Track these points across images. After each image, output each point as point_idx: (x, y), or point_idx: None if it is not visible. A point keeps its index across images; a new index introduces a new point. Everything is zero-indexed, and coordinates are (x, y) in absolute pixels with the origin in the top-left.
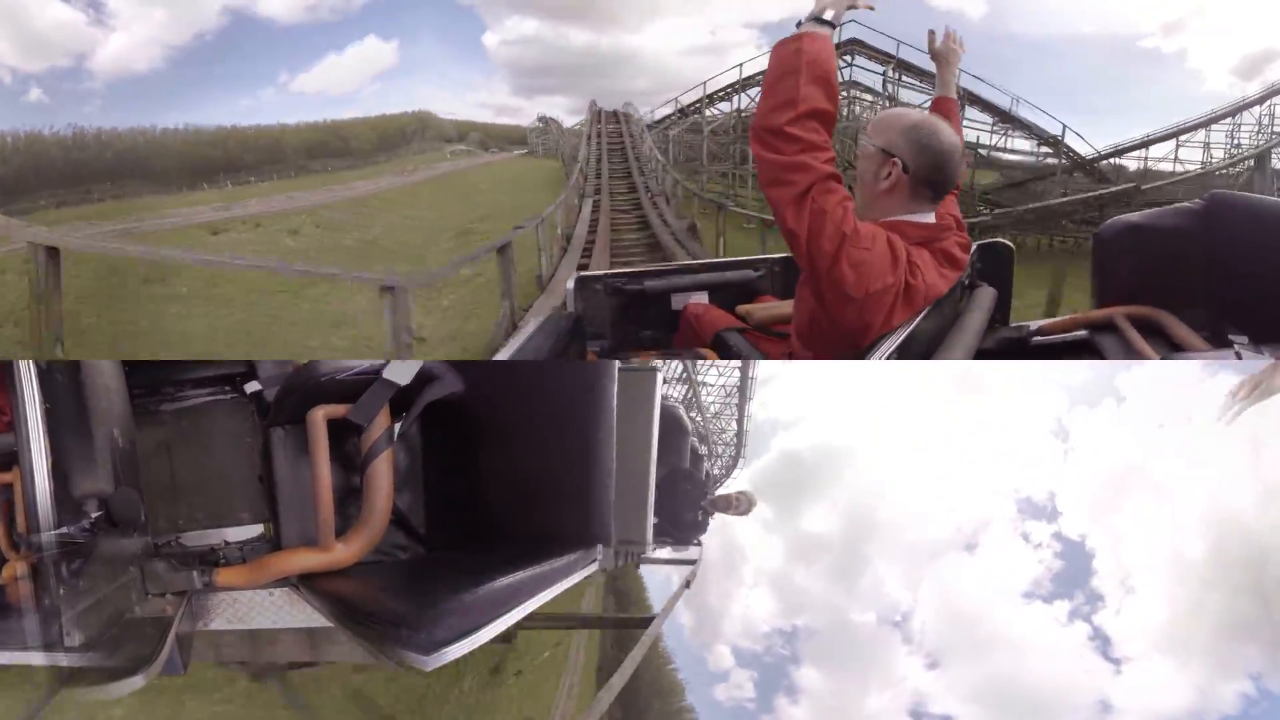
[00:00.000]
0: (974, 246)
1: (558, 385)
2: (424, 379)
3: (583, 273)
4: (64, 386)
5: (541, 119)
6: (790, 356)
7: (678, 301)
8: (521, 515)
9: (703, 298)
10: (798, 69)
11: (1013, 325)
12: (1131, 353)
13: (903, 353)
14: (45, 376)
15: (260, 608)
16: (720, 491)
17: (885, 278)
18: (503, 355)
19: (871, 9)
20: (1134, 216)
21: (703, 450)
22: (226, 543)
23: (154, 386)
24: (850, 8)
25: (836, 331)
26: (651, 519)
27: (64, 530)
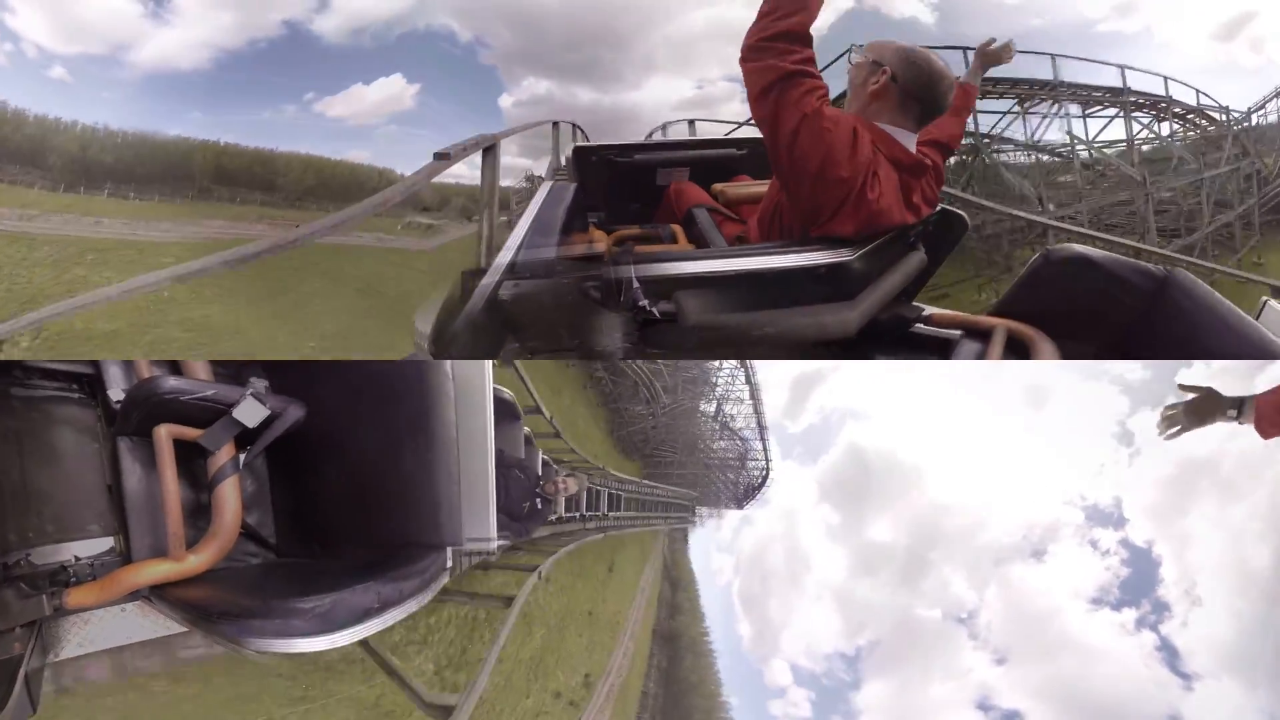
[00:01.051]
0: (939, 209)
1: (396, 387)
2: (269, 419)
3: (580, 144)
4: None
5: (530, 178)
6: (740, 239)
7: (662, 177)
8: (368, 522)
9: (684, 174)
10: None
11: (913, 304)
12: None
13: (833, 275)
14: None
15: (112, 626)
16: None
17: (842, 169)
18: (522, 224)
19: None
20: (1093, 252)
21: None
22: (77, 559)
23: (4, 366)
24: None
25: (792, 213)
26: (495, 514)
27: None
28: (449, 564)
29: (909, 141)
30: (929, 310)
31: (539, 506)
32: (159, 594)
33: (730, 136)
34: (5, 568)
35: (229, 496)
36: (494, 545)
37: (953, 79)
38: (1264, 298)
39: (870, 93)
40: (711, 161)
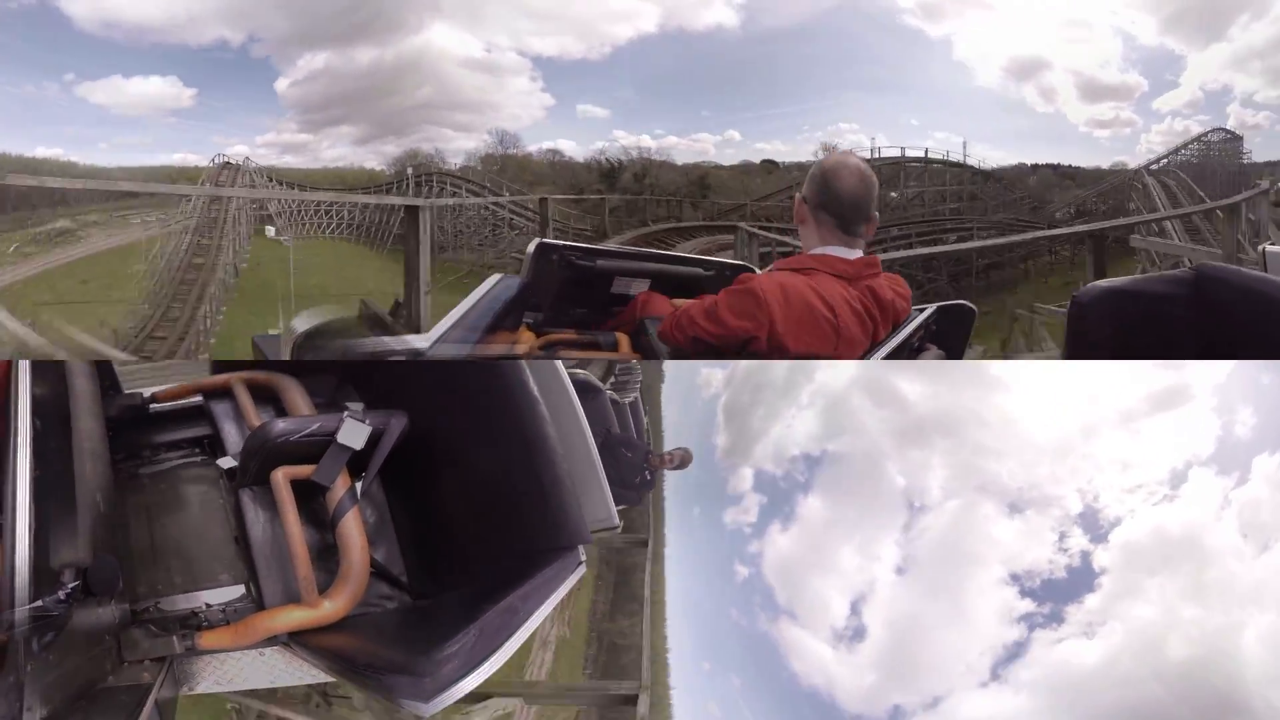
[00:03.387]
0: (934, 307)
1: (478, 398)
2: (374, 438)
3: (545, 239)
4: (55, 451)
5: (225, 163)
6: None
7: (619, 285)
8: (492, 537)
9: (644, 285)
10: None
11: None
12: None
13: None
14: (39, 441)
15: (251, 668)
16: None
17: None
18: (451, 316)
19: None
20: (1118, 282)
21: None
22: (208, 605)
23: (133, 450)
24: None
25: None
26: (610, 496)
27: (38, 604)
28: (582, 559)
29: (851, 252)
30: None
31: (648, 478)
32: (299, 640)
33: (699, 256)
34: (134, 613)
35: (352, 533)
36: (617, 522)
37: (857, 173)
38: (1262, 246)
39: (801, 227)
40: (674, 277)
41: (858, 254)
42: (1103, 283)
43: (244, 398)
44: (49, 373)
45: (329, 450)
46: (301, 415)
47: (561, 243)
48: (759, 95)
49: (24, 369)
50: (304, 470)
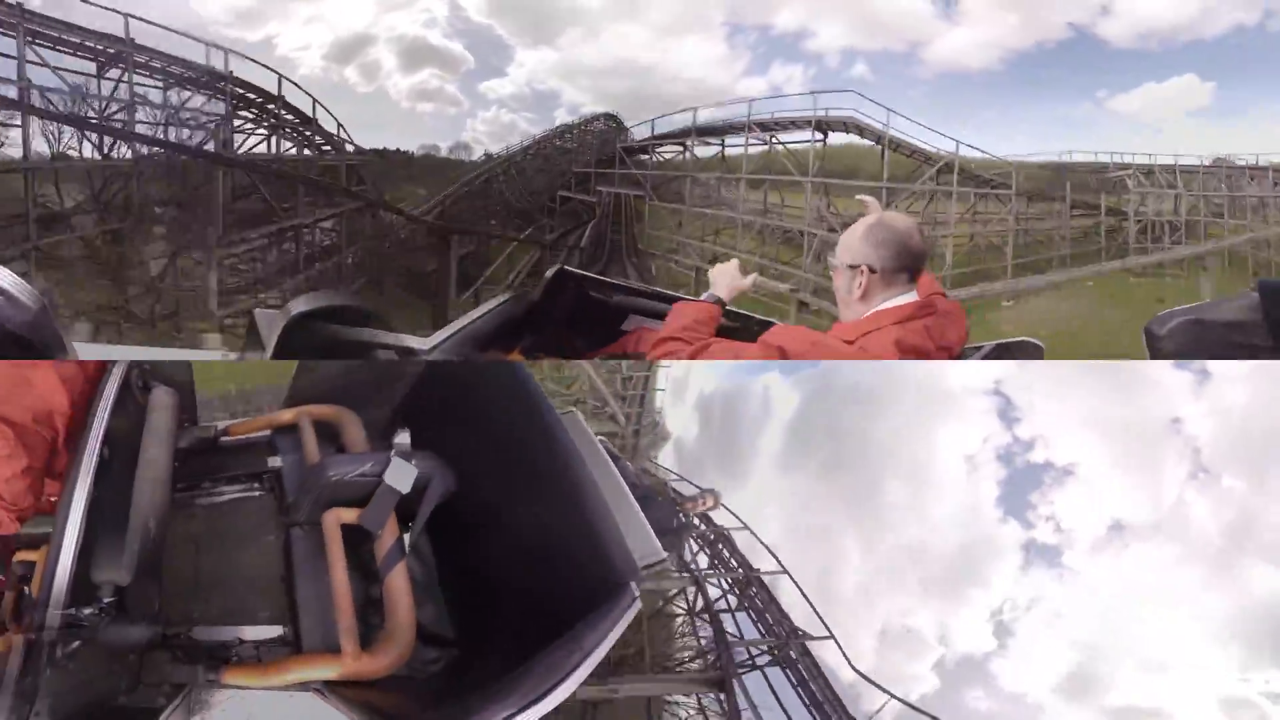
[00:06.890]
0: (993, 345)
1: (516, 447)
2: (421, 485)
3: (567, 267)
4: (117, 476)
5: None
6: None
7: (632, 323)
8: (543, 584)
9: (652, 324)
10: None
11: None
12: None
13: None
14: (103, 468)
15: (274, 710)
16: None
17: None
18: (455, 325)
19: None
20: (1190, 311)
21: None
22: (241, 641)
23: (194, 481)
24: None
25: None
26: (651, 531)
27: (70, 611)
28: (636, 594)
29: (908, 296)
30: None
31: (684, 519)
32: (334, 689)
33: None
34: (165, 638)
35: (400, 590)
36: (663, 555)
37: (915, 230)
38: None
39: (860, 297)
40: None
41: (913, 295)
42: (1177, 314)
43: (308, 434)
44: (129, 404)
45: (377, 493)
46: (355, 453)
47: (580, 273)
48: None
49: (107, 399)
50: (354, 514)
